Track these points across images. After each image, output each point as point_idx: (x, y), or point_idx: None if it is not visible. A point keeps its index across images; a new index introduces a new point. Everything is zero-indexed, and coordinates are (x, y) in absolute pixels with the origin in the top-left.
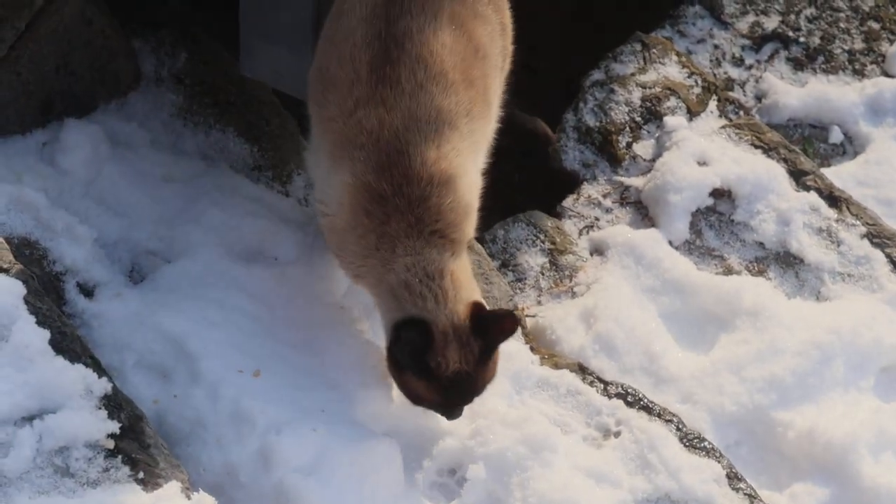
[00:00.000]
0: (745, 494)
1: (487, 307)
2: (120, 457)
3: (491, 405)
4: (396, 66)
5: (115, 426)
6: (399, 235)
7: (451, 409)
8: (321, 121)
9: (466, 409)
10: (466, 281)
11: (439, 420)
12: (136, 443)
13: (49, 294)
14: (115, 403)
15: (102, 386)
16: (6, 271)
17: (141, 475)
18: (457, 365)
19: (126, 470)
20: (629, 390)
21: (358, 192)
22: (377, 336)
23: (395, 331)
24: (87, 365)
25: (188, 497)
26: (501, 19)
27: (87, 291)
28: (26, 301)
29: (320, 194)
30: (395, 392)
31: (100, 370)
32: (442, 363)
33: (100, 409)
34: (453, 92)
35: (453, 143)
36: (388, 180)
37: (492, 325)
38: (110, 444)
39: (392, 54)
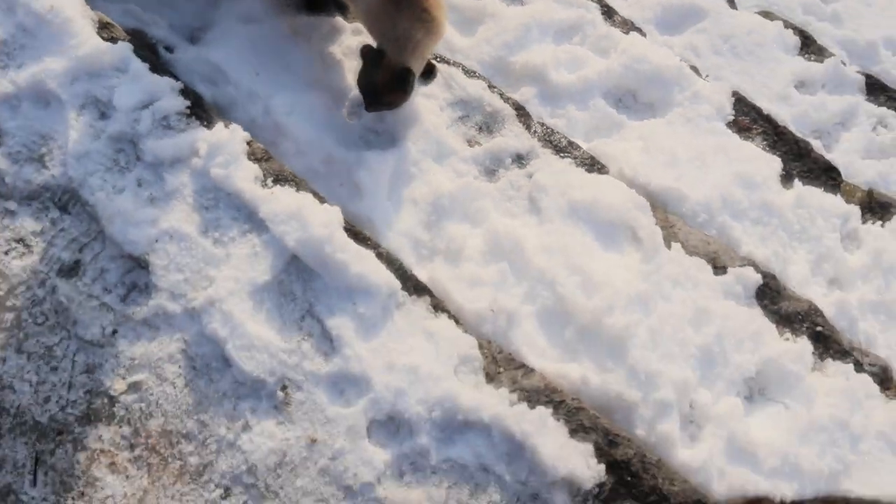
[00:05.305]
0: (499, 94)
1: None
2: (193, 116)
3: None
4: None
5: (188, 102)
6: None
7: (369, 95)
8: None
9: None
10: (422, 51)
11: (349, 80)
12: (199, 108)
13: (149, 53)
14: (186, 93)
15: (178, 85)
16: (121, 40)
17: (204, 123)
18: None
19: (196, 122)
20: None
21: None
22: (314, 52)
23: (369, 50)
24: (168, 77)
25: (226, 127)
26: None
27: (170, 49)
28: (135, 53)
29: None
30: (317, 68)
31: (175, 79)
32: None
33: (178, 96)
34: None
35: None
36: None
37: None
38: (187, 111)
39: None
